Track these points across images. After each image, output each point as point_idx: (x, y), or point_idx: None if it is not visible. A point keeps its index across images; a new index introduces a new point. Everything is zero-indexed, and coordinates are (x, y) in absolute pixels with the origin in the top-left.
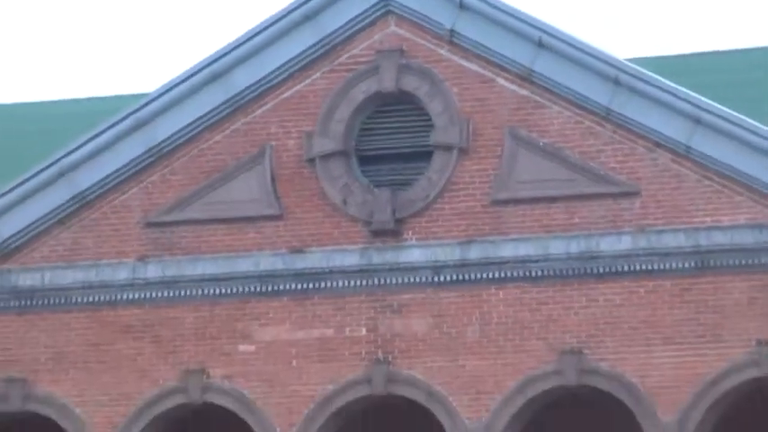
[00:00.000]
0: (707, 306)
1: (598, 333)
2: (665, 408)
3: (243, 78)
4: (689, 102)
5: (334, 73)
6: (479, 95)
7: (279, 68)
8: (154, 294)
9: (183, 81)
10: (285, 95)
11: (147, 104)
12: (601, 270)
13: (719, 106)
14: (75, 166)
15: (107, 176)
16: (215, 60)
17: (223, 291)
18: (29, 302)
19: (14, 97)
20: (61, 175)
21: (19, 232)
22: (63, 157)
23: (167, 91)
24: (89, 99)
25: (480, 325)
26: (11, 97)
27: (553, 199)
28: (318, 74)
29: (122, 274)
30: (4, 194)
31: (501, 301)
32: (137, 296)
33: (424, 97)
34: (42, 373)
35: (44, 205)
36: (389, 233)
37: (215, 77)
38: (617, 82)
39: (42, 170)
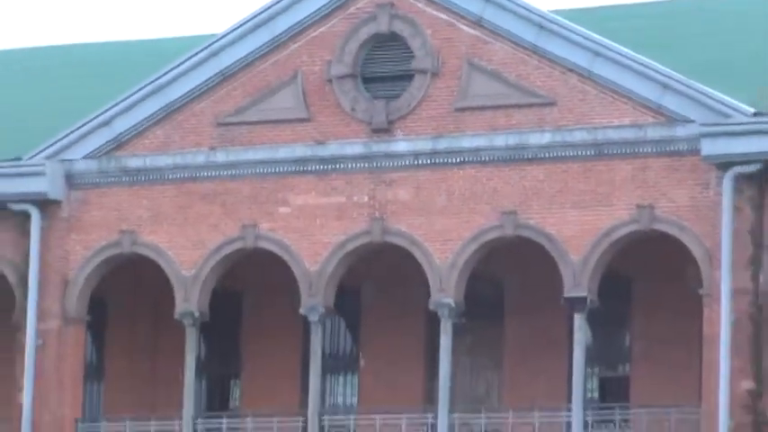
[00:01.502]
0: (602, 181)
1: (528, 200)
2: (573, 251)
3: (283, 23)
4: (590, 39)
5: (346, 20)
6: (445, 35)
7: (308, 16)
8: (221, 173)
9: (240, 25)
10: (312, 35)
11: (216, 41)
12: (530, 156)
13: (611, 43)
14: (167, 84)
15: (190, 90)
16: (263, 11)
17: (269, 170)
18: (135, 178)
19: (120, 37)
20: (158, 89)
21: (128, 129)
22: (158, 77)
23: (230, 32)
24: (175, 38)
25: (446, 194)
26: (116, 36)
27: (497, 107)
28: (336, 20)
29: (199, 159)
30: (117, 104)
31: (461, 178)
32: (209, 174)
33: (408, 37)
34: (145, 226)
35: (145, 111)
36: (384, 131)
37: (263, 22)
38: (541, 26)
39: (144, 87)
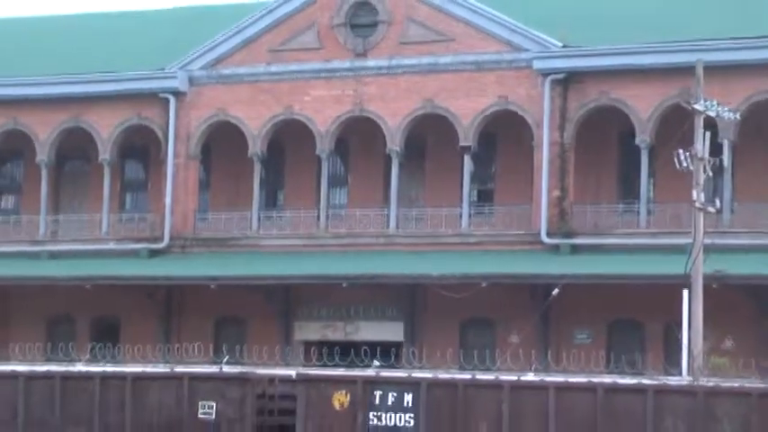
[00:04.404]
0: (479, 83)
1: (440, 93)
2: (464, 120)
3: None
4: (472, 5)
5: None
6: (395, 2)
7: None
8: (272, 77)
9: None
10: (324, 1)
11: (273, 4)
12: (440, 69)
13: (484, 6)
14: (245, 28)
15: (257, 31)
16: None
17: (299, 77)
18: (226, 80)
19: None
20: (239, 30)
21: (224, 53)
22: (241, 23)
23: None
24: (250, 3)
25: (395, 90)
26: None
27: (422, 42)
28: None
29: (261, 69)
30: (218, 38)
31: (403, 81)
32: (266, 78)
33: (376, 3)
34: (231, 107)
35: (232, 42)
36: (362, 55)
37: None
38: None
39: (232, 29)
